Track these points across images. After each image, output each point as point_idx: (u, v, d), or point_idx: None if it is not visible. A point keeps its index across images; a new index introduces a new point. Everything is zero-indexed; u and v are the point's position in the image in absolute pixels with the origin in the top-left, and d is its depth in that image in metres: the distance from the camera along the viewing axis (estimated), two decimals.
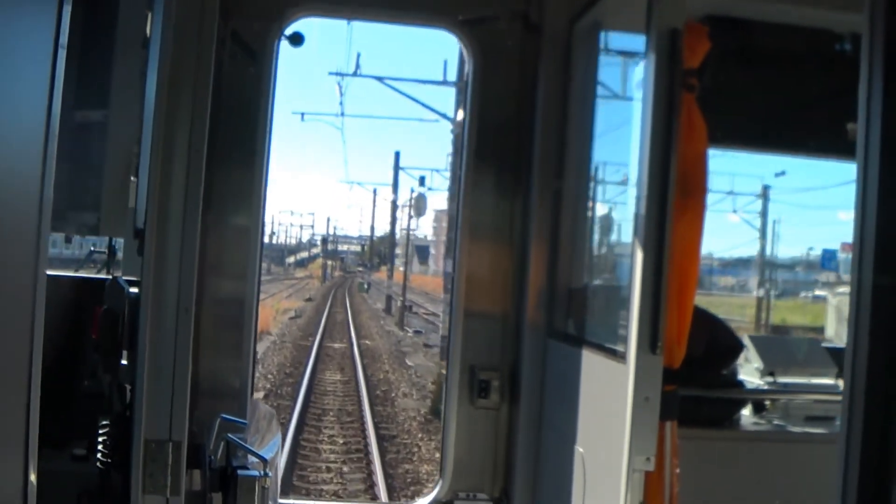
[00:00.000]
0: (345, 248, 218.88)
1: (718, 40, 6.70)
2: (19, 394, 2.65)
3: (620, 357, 5.20)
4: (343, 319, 66.21)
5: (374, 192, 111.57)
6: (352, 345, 47.51)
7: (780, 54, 7.30)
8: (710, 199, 5.80)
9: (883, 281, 2.83)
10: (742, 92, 7.38)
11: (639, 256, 5.04)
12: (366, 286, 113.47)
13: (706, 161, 5.34)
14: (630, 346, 5.04)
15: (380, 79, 44.17)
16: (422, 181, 69.25)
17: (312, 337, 49.33)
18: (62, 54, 2.74)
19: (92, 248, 7.48)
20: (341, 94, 62.55)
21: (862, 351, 2.86)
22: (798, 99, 7.52)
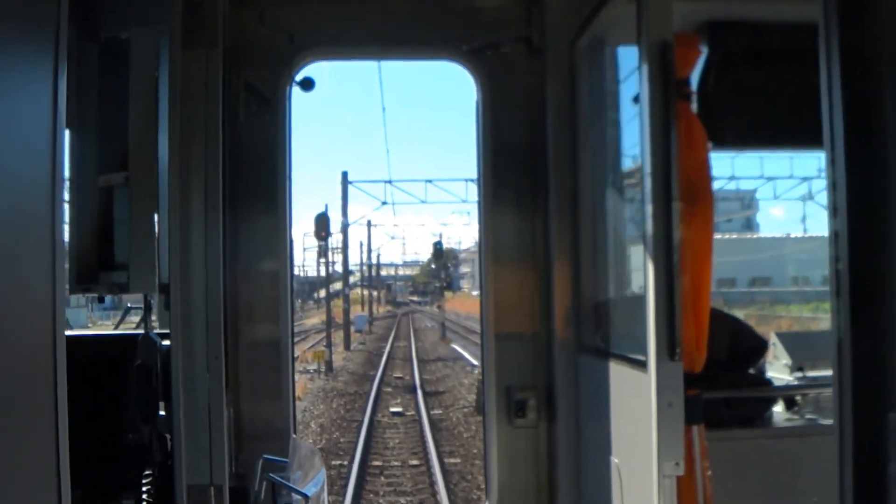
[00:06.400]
0: (390, 273, 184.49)
1: (722, 43, 6.81)
2: (49, 450, 2.80)
3: (642, 366, 5.28)
4: None
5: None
6: None
7: (785, 52, 7.35)
8: None
9: (859, 272, 2.91)
10: (749, 92, 7.44)
11: (650, 266, 5.13)
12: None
13: (709, 167, 5.42)
14: (649, 354, 5.13)
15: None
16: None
17: None
18: (62, 112, 2.87)
19: (129, 305, 7.71)
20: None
21: (846, 342, 2.94)
22: (806, 95, 7.56)
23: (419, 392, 38.38)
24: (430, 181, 59.82)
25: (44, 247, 2.81)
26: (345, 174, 60.11)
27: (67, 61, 2.89)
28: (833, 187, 3.10)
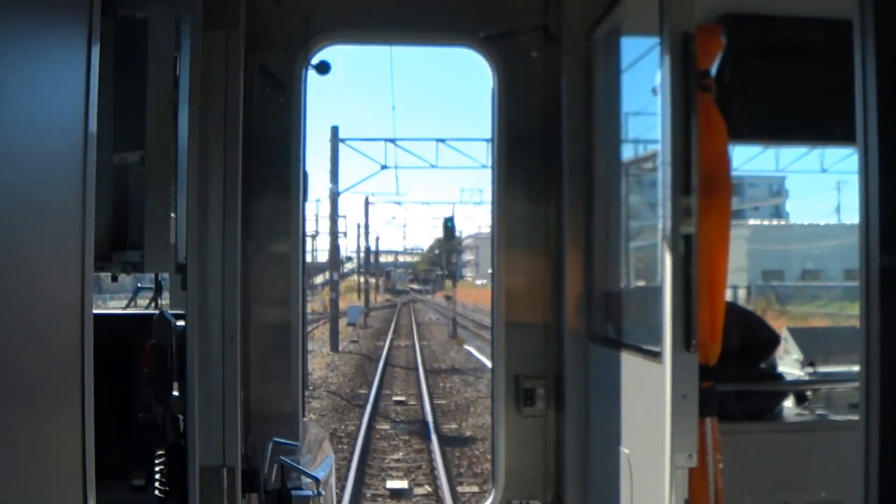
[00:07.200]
0: (388, 259, 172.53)
1: (739, 37, 6.79)
2: (74, 426, 2.80)
3: (657, 357, 5.28)
4: None
5: None
6: None
7: (802, 46, 7.34)
8: None
9: (889, 264, 2.91)
10: (768, 85, 7.43)
11: (667, 257, 5.13)
12: None
13: (728, 159, 5.42)
14: (665, 345, 5.13)
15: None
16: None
17: None
18: (94, 89, 2.86)
19: (139, 285, 7.72)
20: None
21: (874, 335, 2.93)
22: (822, 89, 7.56)
23: (433, 436, 23.56)
24: (442, 140, 46.04)
25: (73, 224, 2.80)
26: (335, 129, 48.13)
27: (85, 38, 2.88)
28: (865, 179, 3.10)
